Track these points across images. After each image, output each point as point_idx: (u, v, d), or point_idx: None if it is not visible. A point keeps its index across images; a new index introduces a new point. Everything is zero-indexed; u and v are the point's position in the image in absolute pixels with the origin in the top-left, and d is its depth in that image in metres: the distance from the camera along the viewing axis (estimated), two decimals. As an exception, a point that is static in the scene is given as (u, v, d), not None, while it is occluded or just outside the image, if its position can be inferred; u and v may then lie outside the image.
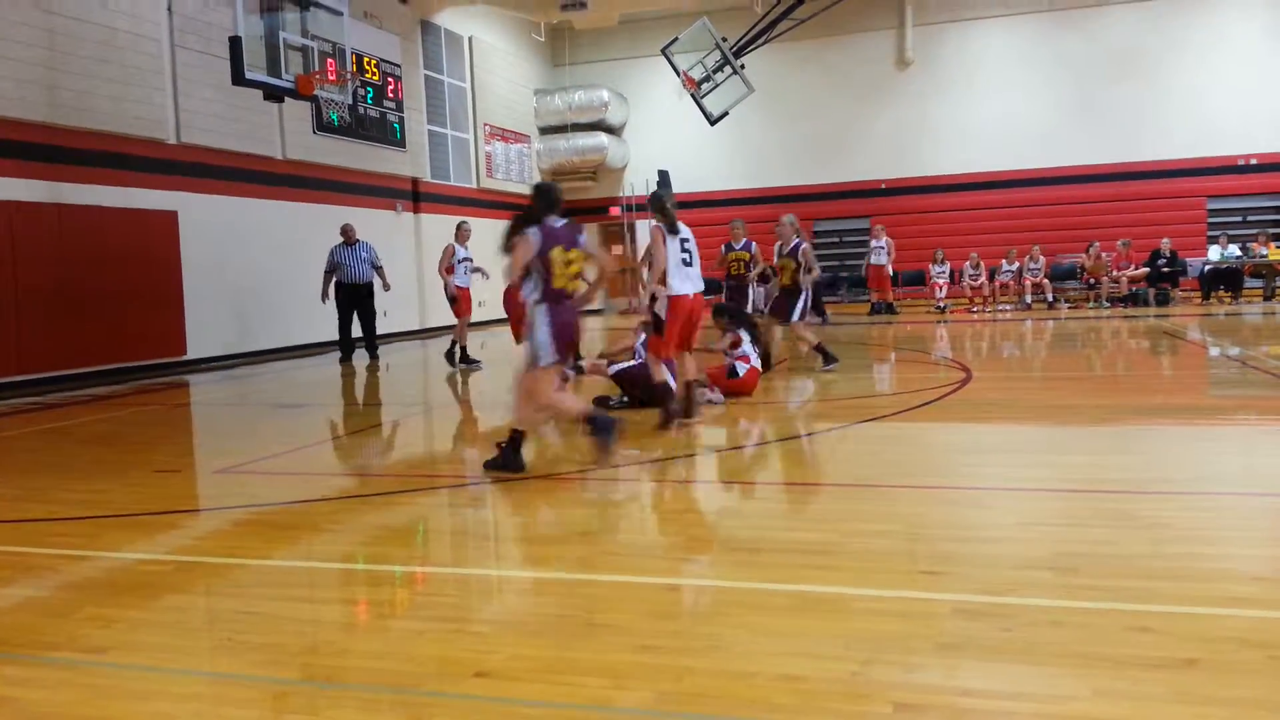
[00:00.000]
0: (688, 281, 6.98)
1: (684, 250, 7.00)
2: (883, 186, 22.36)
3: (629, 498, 5.34)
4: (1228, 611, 3.16)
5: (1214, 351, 11.61)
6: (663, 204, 7.04)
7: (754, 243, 10.82)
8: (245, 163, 14.40)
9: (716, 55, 18.48)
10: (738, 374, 8.35)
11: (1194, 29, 20.47)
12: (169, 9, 13.03)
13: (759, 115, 21.25)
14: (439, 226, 18.74)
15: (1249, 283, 19.26)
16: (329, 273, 13.36)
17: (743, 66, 18.58)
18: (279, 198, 15.06)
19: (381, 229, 16.56)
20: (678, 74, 18.64)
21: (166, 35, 12.98)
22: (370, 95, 16.52)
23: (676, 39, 18.52)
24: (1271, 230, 19.71)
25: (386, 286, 13.64)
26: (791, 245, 10.13)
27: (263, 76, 11.33)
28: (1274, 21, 20.15)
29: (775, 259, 10.72)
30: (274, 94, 11.78)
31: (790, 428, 7.39)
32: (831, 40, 21.81)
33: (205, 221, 13.55)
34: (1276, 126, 19.94)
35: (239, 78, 10.96)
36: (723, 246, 10.86)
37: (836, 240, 22.75)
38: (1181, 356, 11.40)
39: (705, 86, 18.93)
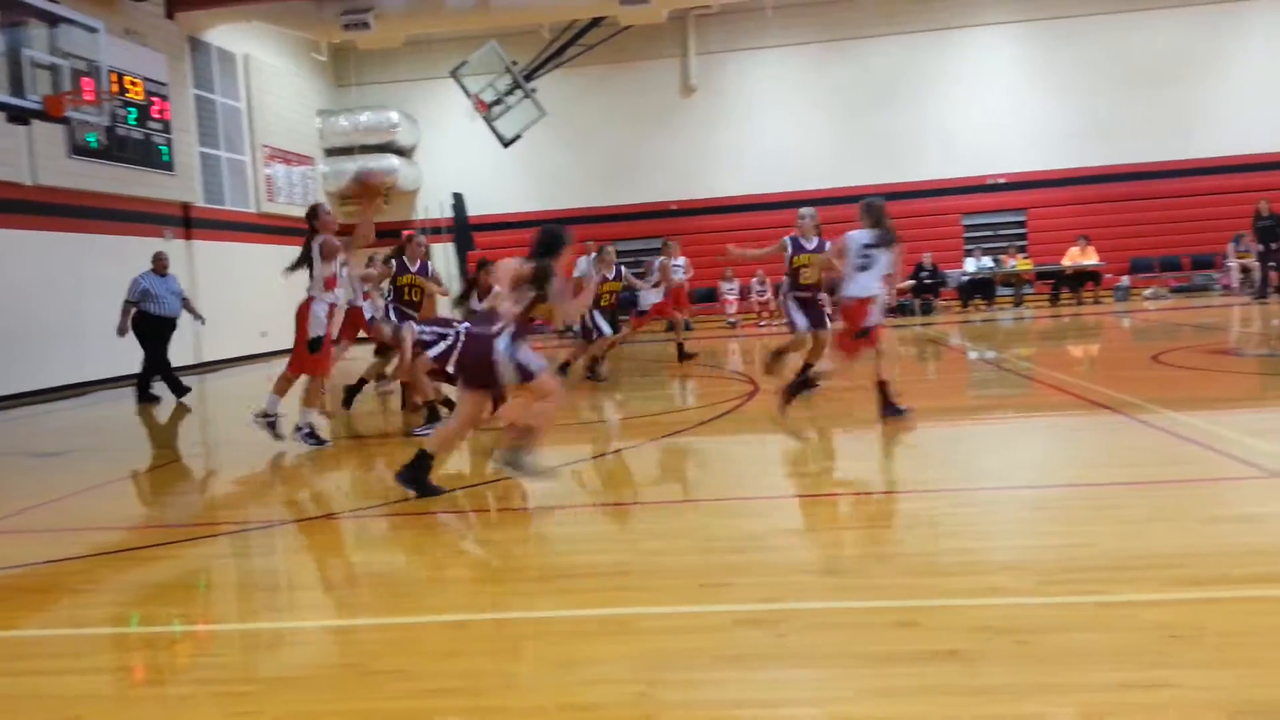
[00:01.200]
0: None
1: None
2: (674, 208, 23.00)
3: (419, 533, 5.19)
4: (982, 601, 3.41)
5: (973, 355, 12.65)
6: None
7: (828, 241, 8.76)
8: (-13, 190, 13.10)
9: (507, 78, 18.50)
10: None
11: (949, 60, 22.32)
12: (-111, 22, 11.70)
13: (552, 138, 21.41)
14: (214, 254, 17.72)
15: (1001, 291, 21.16)
16: (134, 303, 12.14)
17: (534, 90, 18.69)
18: (30, 227, 13.76)
19: (151, 258, 15.43)
20: (469, 96, 18.52)
21: (-113, 50, 11.63)
22: (133, 116, 15.42)
23: (466, 62, 18.39)
24: (1019, 243, 21.75)
25: (202, 319, 12.83)
26: (814, 242, 8.89)
27: (4, 97, 10.36)
28: (1019, 54, 22.26)
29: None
30: (19, 115, 10.79)
31: (587, 448, 7.43)
32: (620, 66, 22.27)
33: (-60, 255, 12.21)
34: (1020, 149, 22.03)
35: (-25, 98, 9.99)
36: (787, 241, 8.92)
37: (632, 260, 23.18)
38: (945, 361, 12.34)
39: (497, 109, 18.90)
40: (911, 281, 20.59)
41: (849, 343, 7.24)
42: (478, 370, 5.28)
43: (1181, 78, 21.27)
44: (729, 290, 20.94)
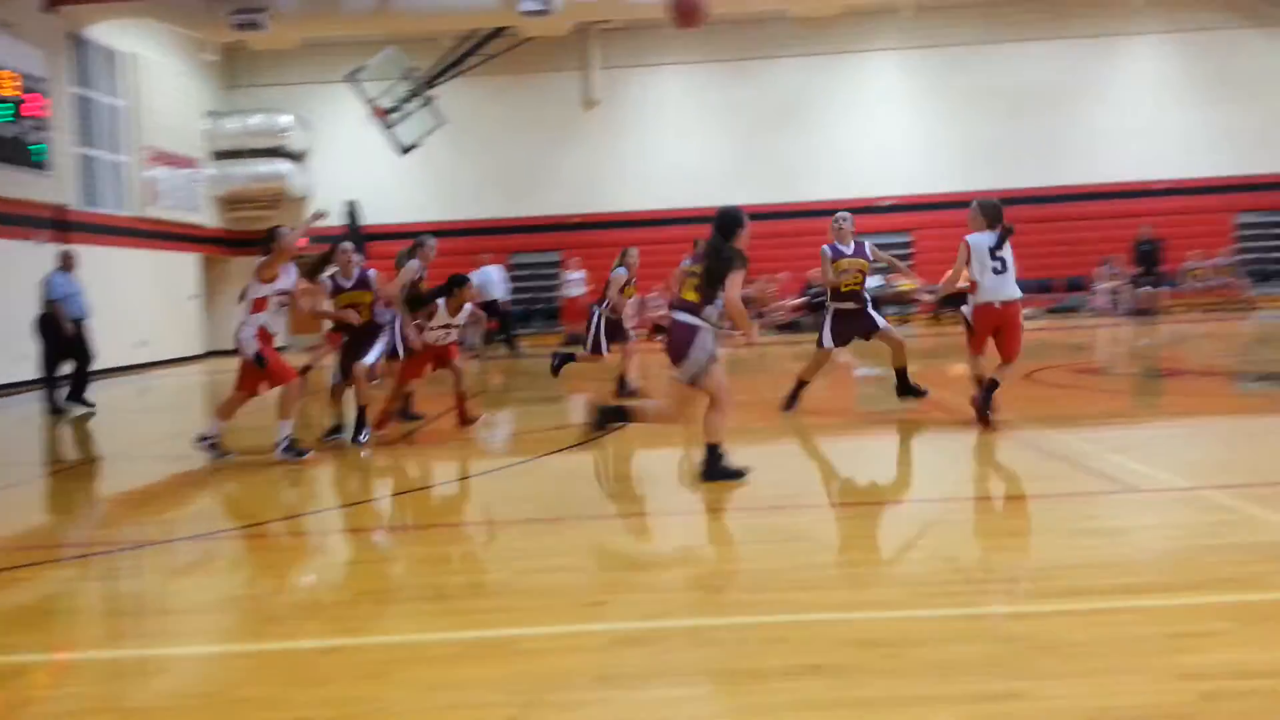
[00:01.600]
0: None
1: None
2: (574, 221, 23.00)
3: (290, 555, 5.02)
4: (855, 615, 3.48)
5: (859, 372, 12.98)
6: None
7: (868, 243, 8.51)
8: None
9: (406, 85, 18.23)
10: None
11: (843, 84, 22.97)
12: None
13: (451, 147, 21.18)
14: (91, 259, 16.83)
15: (888, 310, 21.76)
16: (57, 301, 11.36)
17: (433, 98, 18.46)
18: (-117, 226, 12.93)
19: (18, 263, 14.62)
20: (365, 102, 18.17)
21: None
22: (6, 112, 14.63)
23: (363, 67, 18.05)
24: (906, 264, 22.44)
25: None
26: (852, 247, 8.36)
27: None
28: (909, 80, 23.04)
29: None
30: None
31: (473, 465, 7.33)
32: (522, 77, 22.18)
33: None
34: (908, 172, 22.78)
35: None
36: (826, 250, 8.41)
37: (530, 273, 23.09)
38: (832, 378, 12.60)
39: (395, 116, 18.60)
40: (803, 299, 21.06)
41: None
42: (678, 357, 5.47)
43: (1058, 106, 22.36)
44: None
